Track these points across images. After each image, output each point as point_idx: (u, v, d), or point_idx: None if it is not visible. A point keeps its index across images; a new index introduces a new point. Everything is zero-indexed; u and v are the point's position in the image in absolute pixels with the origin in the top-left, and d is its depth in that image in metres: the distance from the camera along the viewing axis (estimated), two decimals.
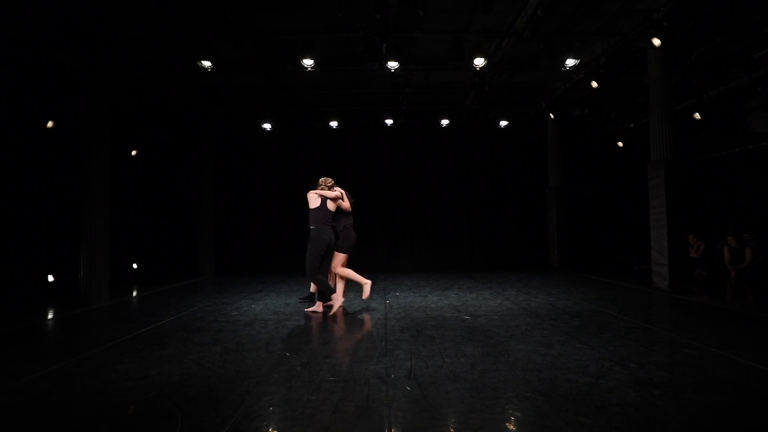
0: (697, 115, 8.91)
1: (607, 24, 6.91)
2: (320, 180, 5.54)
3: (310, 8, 6.22)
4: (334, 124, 10.25)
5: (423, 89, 9.44)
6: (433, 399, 2.66)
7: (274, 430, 2.32)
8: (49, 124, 7.78)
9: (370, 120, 10.75)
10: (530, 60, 7.95)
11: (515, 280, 8.57)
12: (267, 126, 10.24)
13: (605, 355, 3.50)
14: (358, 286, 5.52)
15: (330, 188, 5.49)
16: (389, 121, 10.09)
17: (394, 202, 11.42)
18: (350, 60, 7.69)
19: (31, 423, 2.45)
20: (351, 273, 5.56)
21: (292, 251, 10.93)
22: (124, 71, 7.35)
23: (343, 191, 5.60)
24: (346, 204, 5.57)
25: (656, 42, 6.35)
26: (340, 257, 5.55)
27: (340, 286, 5.62)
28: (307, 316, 5.29)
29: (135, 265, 10.37)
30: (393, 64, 6.69)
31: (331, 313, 5.30)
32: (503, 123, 10.52)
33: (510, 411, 2.49)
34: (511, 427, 2.34)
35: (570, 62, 6.77)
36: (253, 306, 6.02)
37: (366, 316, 5.26)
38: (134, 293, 7.45)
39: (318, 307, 5.54)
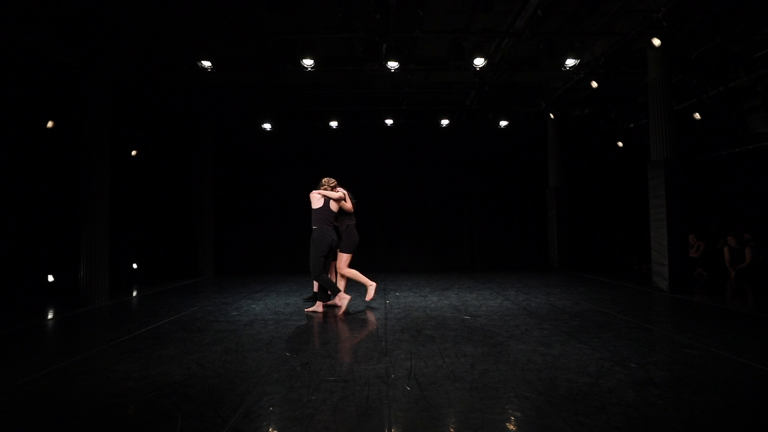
0: (697, 115, 8.91)
1: (607, 24, 6.92)
2: (323, 180, 5.54)
3: (309, 8, 6.22)
4: (334, 124, 10.25)
5: (423, 89, 9.44)
6: (433, 399, 2.65)
7: (274, 430, 2.32)
8: (49, 124, 7.78)
9: (370, 120, 10.75)
10: (530, 60, 7.95)
11: (515, 280, 8.57)
12: (267, 126, 10.24)
13: (605, 355, 3.50)
14: (359, 286, 5.52)
15: (333, 188, 5.50)
16: (389, 121, 10.09)
17: (394, 202, 11.42)
18: (350, 60, 7.69)
19: (31, 423, 2.45)
20: (357, 274, 5.62)
21: (292, 251, 10.95)
22: (124, 71, 7.35)
23: (345, 191, 5.61)
24: (348, 205, 5.59)
25: (656, 42, 6.35)
26: (344, 257, 5.58)
27: (341, 284, 5.65)
28: (307, 316, 5.29)
29: (135, 265, 10.37)
30: (393, 64, 6.69)
31: (341, 312, 5.28)
32: (503, 123, 10.52)
33: (510, 411, 2.49)
34: (511, 427, 2.34)
35: (570, 62, 6.76)
36: (253, 306, 6.02)
37: (366, 316, 5.26)
38: (134, 293, 7.45)
39: (318, 307, 5.54)
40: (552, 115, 10.41)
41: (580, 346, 3.78)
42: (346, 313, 5.43)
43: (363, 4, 5.92)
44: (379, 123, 10.39)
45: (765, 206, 9.15)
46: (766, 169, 9.09)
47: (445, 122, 10.39)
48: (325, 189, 5.46)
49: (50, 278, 7.94)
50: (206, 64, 6.55)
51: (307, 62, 6.56)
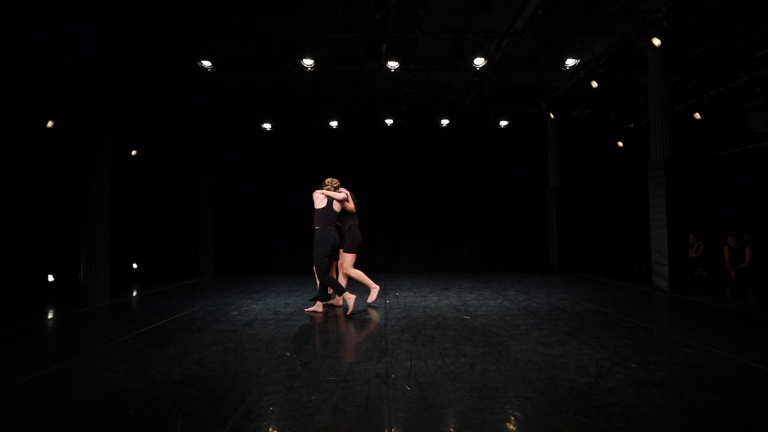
0: (697, 115, 8.92)
1: (607, 24, 6.91)
2: (326, 180, 5.54)
3: (310, 8, 6.22)
4: (334, 124, 10.25)
5: (423, 89, 9.45)
6: (433, 399, 2.65)
7: (274, 430, 2.32)
8: (49, 124, 7.79)
9: (370, 120, 10.75)
10: (530, 60, 7.95)
11: (515, 280, 8.57)
12: (267, 126, 10.24)
13: (605, 355, 3.50)
14: (359, 285, 5.53)
15: (336, 189, 5.50)
16: (389, 121, 10.09)
17: (394, 202, 11.42)
18: (350, 60, 7.69)
19: (31, 423, 2.45)
20: (362, 275, 5.67)
21: (292, 251, 10.95)
22: (124, 71, 7.35)
23: (348, 192, 5.62)
24: (350, 205, 5.60)
25: (656, 42, 6.35)
26: (348, 258, 5.60)
27: (342, 283, 5.66)
28: (307, 316, 5.29)
29: (135, 265, 10.37)
30: (393, 64, 6.69)
31: (349, 311, 5.26)
32: (503, 123, 10.52)
33: (510, 411, 2.49)
34: (511, 427, 2.34)
35: (570, 62, 6.76)
36: (253, 306, 6.02)
37: (366, 316, 5.26)
38: (134, 293, 7.45)
39: (318, 307, 5.54)
40: (552, 115, 10.41)
41: (580, 346, 3.78)
42: (346, 313, 5.43)
43: (363, 4, 5.92)
44: (379, 123, 10.39)
45: (765, 206, 9.15)
46: (766, 169, 9.10)
47: (445, 122, 10.39)
48: (328, 189, 5.47)
49: (50, 278, 7.94)
50: (206, 64, 6.55)
51: (307, 62, 6.56)
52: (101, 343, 4.12)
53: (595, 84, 8.18)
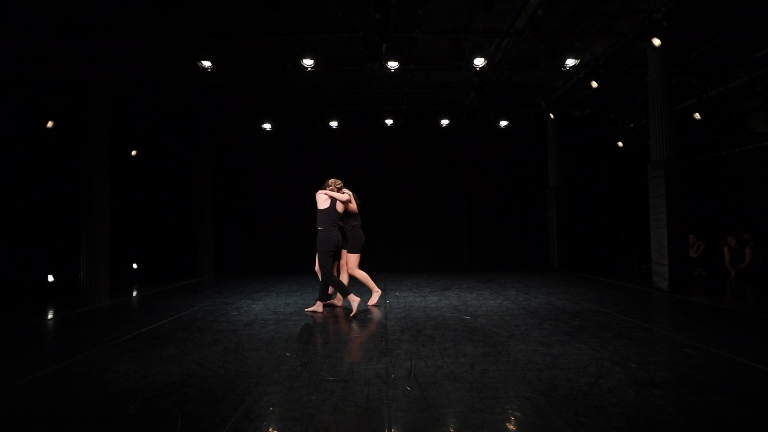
0: (697, 115, 8.91)
1: (607, 24, 6.92)
2: (329, 181, 5.55)
3: (309, 8, 6.22)
4: (334, 124, 10.24)
5: (423, 89, 9.44)
6: (433, 399, 2.65)
7: (274, 430, 2.32)
8: (49, 124, 7.79)
9: (370, 120, 10.74)
10: (530, 60, 7.95)
11: (515, 280, 8.57)
12: (267, 126, 10.24)
13: (605, 355, 3.50)
14: (360, 285, 5.53)
15: (339, 190, 5.51)
16: (389, 121, 10.09)
17: (394, 202, 11.42)
18: (350, 60, 7.69)
19: (31, 423, 2.45)
20: (366, 277, 5.73)
21: (292, 251, 10.95)
22: (124, 71, 7.35)
23: (350, 192, 5.63)
24: (353, 206, 5.61)
25: (656, 42, 6.35)
26: (353, 258, 5.62)
27: (343, 279, 5.69)
28: (307, 316, 5.29)
29: (135, 265, 10.37)
30: (393, 64, 6.69)
31: (352, 314, 5.25)
32: (503, 123, 10.51)
33: (510, 411, 2.49)
34: (511, 427, 2.34)
35: (570, 62, 6.76)
36: (253, 306, 6.02)
37: (366, 317, 5.26)
38: (134, 293, 7.45)
39: (318, 307, 5.55)
40: (552, 115, 10.41)
41: (580, 346, 3.78)
42: (347, 313, 5.43)
43: (363, 4, 5.92)
44: (379, 123, 10.39)
45: (765, 206, 9.15)
46: (766, 169, 9.10)
47: (445, 122, 10.39)
48: (331, 190, 5.48)
49: (50, 278, 7.94)
50: (206, 64, 6.55)
51: (307, 62, 6.56)
52: (101, 343, 4.12)
53: (595, 84, 8.18)
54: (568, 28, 7.04)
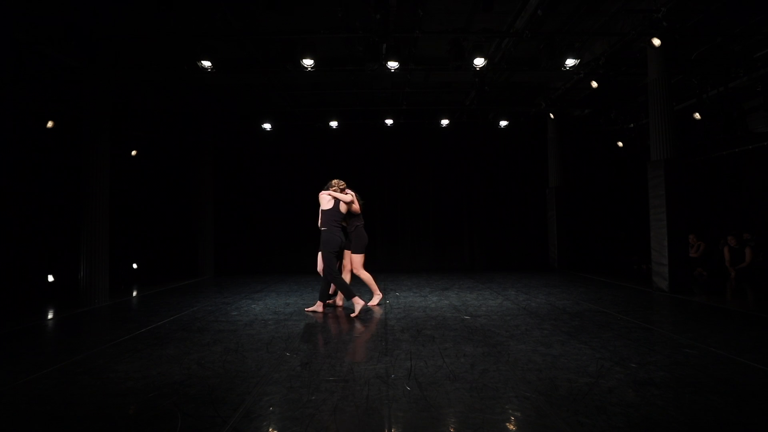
0: (697, 115, 8.91)
1: (607, 24, 6.92)
2: (332, 182, 5.55)
3: (309, 8, 6.23)
4: (334, 124, 10.25)
5: (423, 89, 9.45)
6: (433, 399, 2.65)
7: (274, 430, 2.32)
8: (49, 124, 7.78)
9: (370, 120, 10.75)
10: (530, 60, 7.95)
11: (515, 280, 8.57)
12: (267, 126, 10.24)
13: (605, 355, 3.50)
14: (360, 284, 5.53)
15: (342, 191, 5.52)
16: (389, 121, 10.09)
17: (394, 202, 11.42)
18: (350, 60, 7.69)
19: (31, 423, 2.45)
20: (370, 279, 5.77)
21: (291, 251, 10.95)
22: (124, 71, 7.35)
23: (353, 193, 5.64)
24: (356, 206, 5.62)
25: (656, 42, 6.35)
26: (357, 258, 5.64)
27: (345, 279, 5.70)
28: (307, 316, 5.29)
29: (135, 265, 10.37)
30: (393, 64, 6.69)
31: (354, 314, 5.24)
32: (503, 123, 10.52)
33: (510, 411, 2.49)
34: (511, 427, 2.34)
35: (570, 62, 6.76)
36: (253, 306, 6.02)
37: (366, 316, 5.26)
38: (134, 293, 7.45)
39: (318, 307, 5.55)
40: (552, 115, 10.41)
41: (580, 346, 3.78)
42: (347, 313, 5.43)
43: (363, 4, 5.92)
44: (379, 123, 10.39)
45: (765, 206, 9.15)
46: (766, 169, 9.09)
47: (445, 122, 10.39)
48: (334, 190, 5.48)
49: (50, 278, 7.94)
50: (206, 64, 6.55)
51: (307, 62, 6.56)
52: (101, 343, 4.12)
53: (595, 84, 8.18)
54: (568, 28, 7.04)
